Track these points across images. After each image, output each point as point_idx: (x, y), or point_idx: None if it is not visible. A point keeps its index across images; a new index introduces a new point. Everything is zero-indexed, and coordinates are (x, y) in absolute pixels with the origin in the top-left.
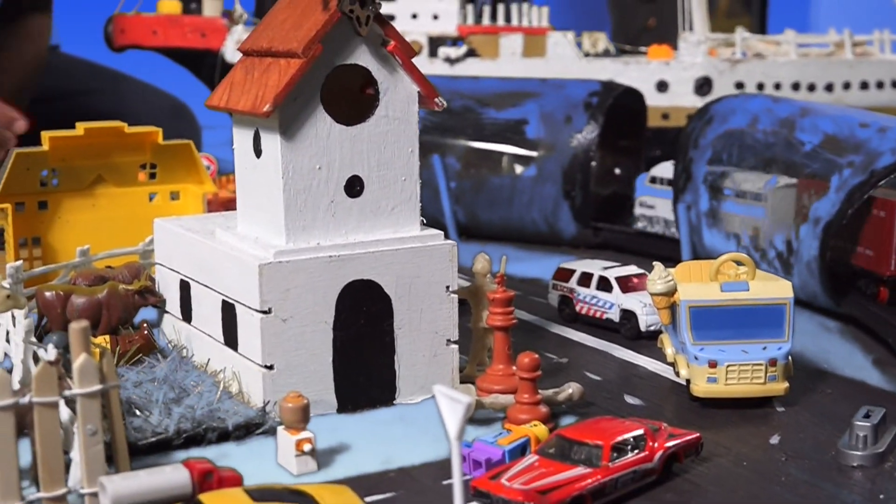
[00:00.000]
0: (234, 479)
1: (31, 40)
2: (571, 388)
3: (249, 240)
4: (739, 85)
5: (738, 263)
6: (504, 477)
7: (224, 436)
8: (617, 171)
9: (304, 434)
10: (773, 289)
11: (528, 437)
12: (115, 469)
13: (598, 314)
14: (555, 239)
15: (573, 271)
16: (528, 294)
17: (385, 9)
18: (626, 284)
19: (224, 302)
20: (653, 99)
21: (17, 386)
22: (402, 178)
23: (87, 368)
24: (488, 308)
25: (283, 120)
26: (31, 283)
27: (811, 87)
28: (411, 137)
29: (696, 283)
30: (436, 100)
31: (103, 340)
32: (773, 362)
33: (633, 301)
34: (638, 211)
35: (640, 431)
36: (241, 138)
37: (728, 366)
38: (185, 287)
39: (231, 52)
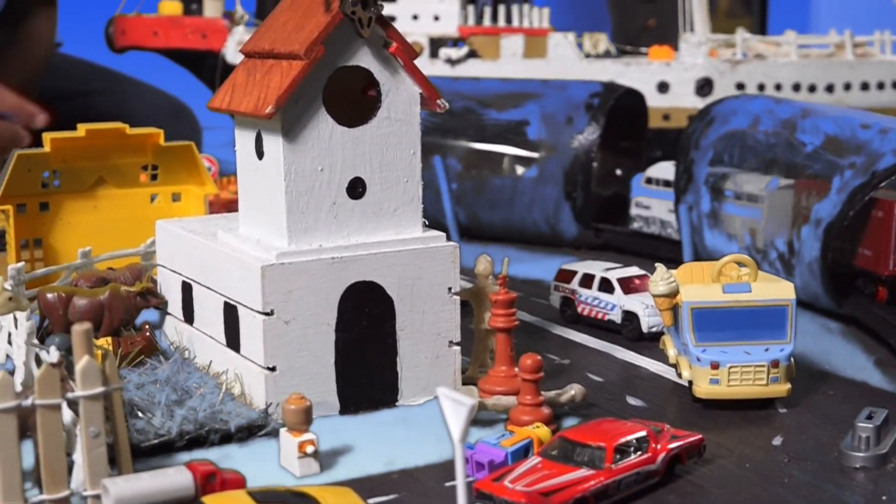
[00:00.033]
0: (237, 482)
1: (39, 37)
2: (574, 390)
3: (251, 241)
4: (740, 86)
5: (741, 265)
6: (507, 479)
7: (227, 438)
8: (618, 172)
9: (307, 436)
10: (775, 290)
11: (531, 439)
12: (118, 471)
13: (599, 315)
14: (556, 240)
15: (575, 272)
16: (530, 295)
17: (386, 10)
18: (628, 286)
19: (226, 304)
20: (654, 100)
21: (19, 388)
22: (404, 179)
23: (90, 370)
24: (490, 309)
25: (285, 122)
26: (33, 285)
27: (812, 88)
28: (413, 139)
29: (698, 285)
30: (438, 101)
31: (105, 342)
32: (775, 364)
33: (634, 302)
34: (634, 211)
35: (642, 433)
36: (243, 140)
37: (730, 367)
38: (187, 289)
39: (232, 53)
